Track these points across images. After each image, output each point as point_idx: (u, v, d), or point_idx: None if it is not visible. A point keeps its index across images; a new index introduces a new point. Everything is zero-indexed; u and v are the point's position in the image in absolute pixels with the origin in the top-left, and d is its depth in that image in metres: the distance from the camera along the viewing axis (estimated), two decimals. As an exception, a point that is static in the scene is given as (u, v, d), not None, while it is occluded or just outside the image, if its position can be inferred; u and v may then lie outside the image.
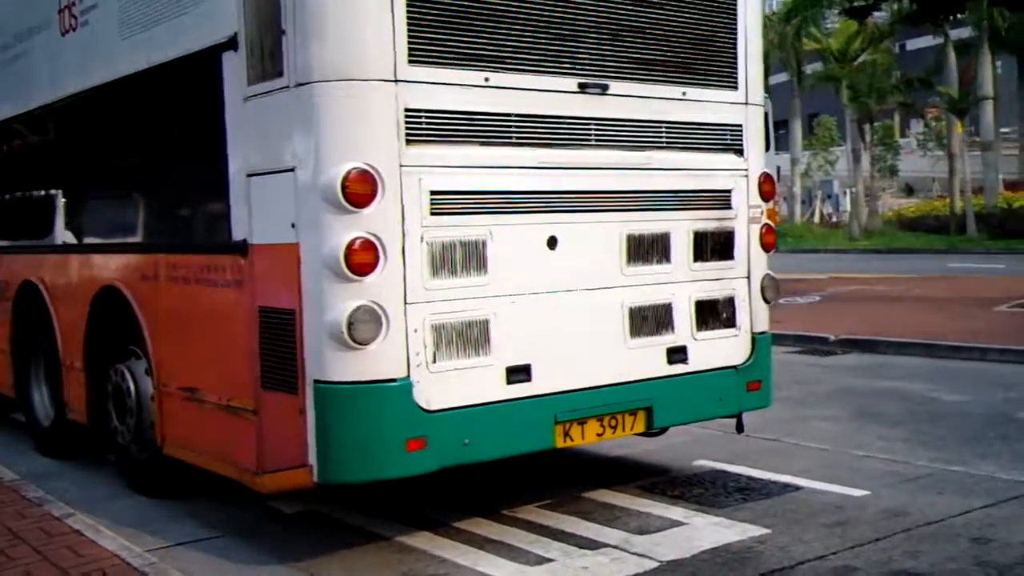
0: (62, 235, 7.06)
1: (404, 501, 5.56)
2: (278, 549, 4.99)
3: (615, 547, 4.86)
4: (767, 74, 39.82)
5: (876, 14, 29.56)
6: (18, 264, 7.63)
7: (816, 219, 43.66)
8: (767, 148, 24.30)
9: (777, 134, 39.85)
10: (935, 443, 6.84)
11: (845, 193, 43.28)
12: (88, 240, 6.77)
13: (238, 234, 4.90)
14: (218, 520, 5.48)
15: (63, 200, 7.09)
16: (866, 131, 37.60)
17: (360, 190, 4.35)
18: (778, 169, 26.19)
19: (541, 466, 6.20)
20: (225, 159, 4.96)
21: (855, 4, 22.68)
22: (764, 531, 5.03)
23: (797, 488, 5.81)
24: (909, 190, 47.89)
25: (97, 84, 6.19)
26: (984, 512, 5.28)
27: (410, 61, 4.49)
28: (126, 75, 5.82)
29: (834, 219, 43.86)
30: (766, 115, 23.15)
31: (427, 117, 4.56)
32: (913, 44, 44.55)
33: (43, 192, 7.52)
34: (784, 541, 4.89)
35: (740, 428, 6.02)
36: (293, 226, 4.51)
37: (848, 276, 19.30)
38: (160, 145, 5.85)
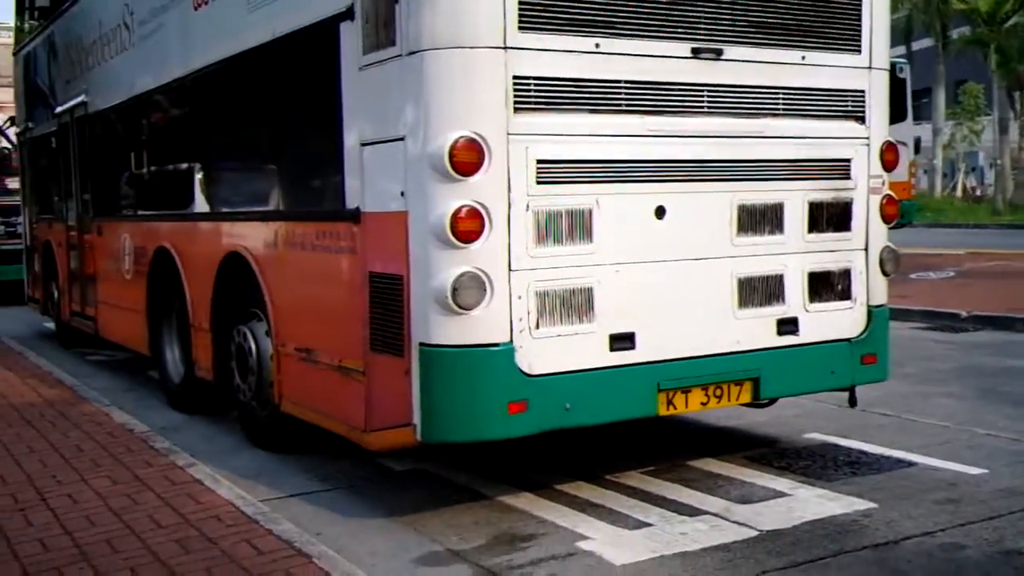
0: (192, 204, 7.44)
1: (510, 463, 5.69)
2: (385, 503, 5.19)
3: (715, 515, 4.87)
4: (909, 38, 38.35)
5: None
6: (153, 232, 8.07)
7: (959, 192, 41.82)
8: (904, 117, 23.37)
9: (919, 103, 38.23)
10: (1065, 424, 6.56)
11: (991, 165, 41.29)
12: (215, 208, 7.12)
13: (351, 202, 5.08)
14: (330, 474, 5.74)
15: (193, 171, 7.48)
16: (1016, 99, 35.71)
17: (467, 159, 4.44)
18: (918, 140, 25.20)
19: (647, 433, 6.24)
20: (341, 128, 5.13)
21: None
22: (871, 505, 4.95)
23: (910, 464, 5.67)
24: (1064, 162, 45.31)
25: (226, 57, 6.47)
26: (1109, 495, 5.06)
27: (520, 28, 4.52)
28: (253, 47, 6.06)
29: (978, 192, 41.94)
30: (904, 81, 22.22)
31: (536, 85, 4.59)
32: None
33: (175, 163, 7.94)
34: (891, 516, 4.80)
35: (853, 402, 5.89)
36: (402, 194, 4.64)
37: (987, 252, 18.49)
38: (282, 116, 6.10)
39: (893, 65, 20.71)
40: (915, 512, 4.85)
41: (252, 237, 6.31)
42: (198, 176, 7.40)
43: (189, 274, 7.27)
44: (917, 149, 25.98)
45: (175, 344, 7.81)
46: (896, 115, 22.16)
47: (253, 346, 6.30)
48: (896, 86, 19.84)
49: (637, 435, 6.15)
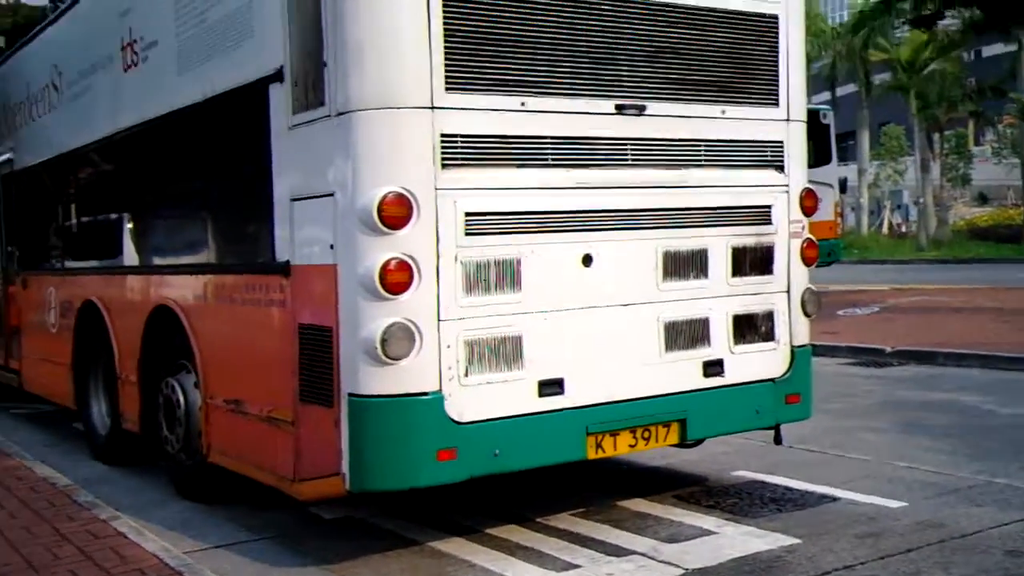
0: (120, 257, 7.42)
1: (441, 507, 5.73)
2: (313, 552, 5.19)
3: (643, 554, 4.95)
4: (833, 84, 39.57)
5: (947, 22, 29.09)
6: (80, 285, 8.02)
7: (885, 229, 42.95)
8: (829, 160, 23.94)
9: (845, 144, 39.39)
10: (982, 455, 6.79)
11: (915, 203, 42.54)
12: (144, 262, 7.11)
13: (281, 255, 5.12)
14: (258, 524, 5.72)
15: (122, 224, 7.46)
16: (935, 140, 36.96)
17: (396, 213, 4.52)
18: (844, 180, 25.85)
19: (579, 474, 6.32)
20: (271, 184, 5.19)
21: (922, 13, 22.36)
22: (794, 541, 5.08)
23: (834, 499, 5.83)
24: (983, 199, 46.83)
25: (156, 116, 6.50)
26: (1022, 525, 5.25)
27: (447, 88, 4.64)
28: (183, 107, 6.11)
29: (903, 229, 43.11)
30: (828, 127, 22.79)
31: (463, 141, 4.71)
32: (990, 50, 43.61)
33: (104, 217, 7.90)
34: (813, 551, 4.93)
35: (778, 440, 6.06)
36: (332, 247, 4.71)
37: (910, 287, 19.03)
38: (211, 173, 6.15)
39: (816, 111, 21.40)
40: (836, 546, 4.99)
41: (181, 290, 6.30)
42: (127, 229, 7.38)
43: (117, 327, 7.22)
44: (844, 189, 26.74)
45: (101, 396, 7.72)
46: (821, 158, 22.86)
47: (181, 398, 6.26)
48: (820, 131, 20.53)
49: (568, 477, 6.23)
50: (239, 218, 5.88)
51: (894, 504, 5.68)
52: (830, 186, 19.03)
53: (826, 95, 38.96)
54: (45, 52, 8.73)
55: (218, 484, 6.09)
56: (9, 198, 9.84)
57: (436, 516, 5.64)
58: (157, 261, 6.96)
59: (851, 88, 40.42)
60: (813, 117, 20.48)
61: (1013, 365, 10.43)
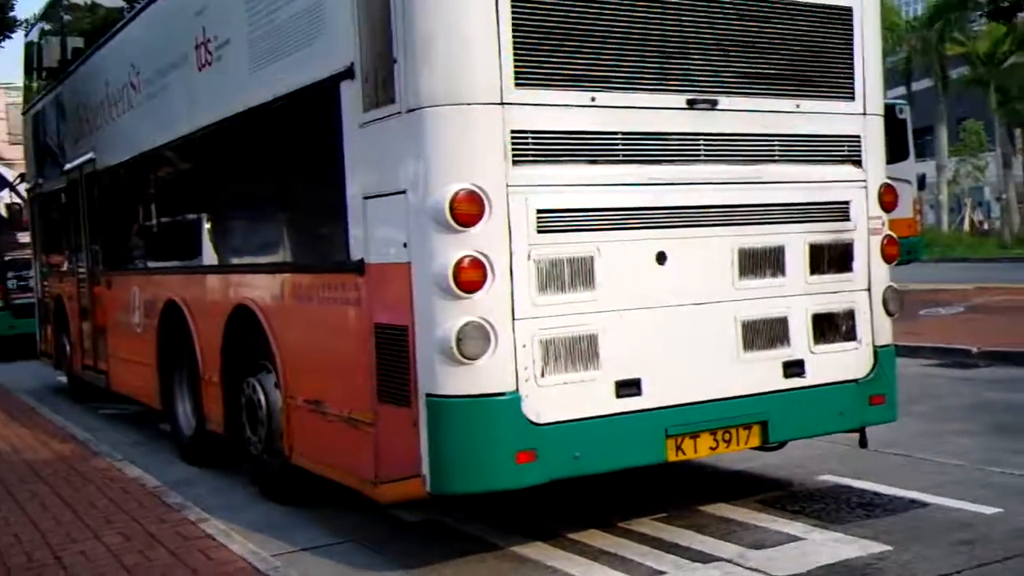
0: (200, 257, 7.51)
1: (524, 511, 5.66)
2: (397, 556, 5.17)
3: (728, 560, 4.83)
4: (909, 79, 38.66)
5: (1027, 14, 28.22)
6: (162, 285, 8.13)
7: (966, 227, 41.81)
8: (906, 156, 23.32)
9: (922, 140, 38.40)
10: (1079, 460, 6.50)
11: (997, 199, 41.35)
12: (223, 261, 7.18)
13: (356, 254, 5.12)
14: (343, 527, 5.71)
15: (200, 224, 7.55)
16: (1016, 136, 35.84)
17: (468, 210, 4.49)
18: (922, 177, 25.21)
19: (659, 479, 6.21)
20: (343, 182, 5.19)
21: (1000, 4, 21.70)
22: (885, 548, 4.91)
23: (924, 505, 5.63)
24: (1068, 195, 45.31)
25: (230, 115, 6.56)
26: (1125, 532, 5.01)
27: (516, 84, 4.60)
28: (255, 106, 6.16)
29: (985, 226, 41.92)
30: (904, 122, 22.18)
31: (533, 138, 4.65)
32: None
33: (182, 217, 8.01)
34: (906, 558, 4.75)
35: (864, 443, 5.87)
36: (405, 246, 4.69)
37: (996, 286, 18.43)
38: (285, 171, 6.17)
39: (892, 107, 20.88)
40: (930, 553, 4.81)
41: (259, 289, 6.35)
42: (205, 229, 7.47)
43: (199, 327, 7.31)
44: (922, 185, 26.03)
45: (186, 397, 7.82)
46: (898, 154, 22.34)
47: (263, 398, 6.31)
48: (896, 127, 20.00)
49: (650, 480, 6.12)
50: (314, 216, 5.90)
51: (988, 510, 5.46)
52: (908, 182, 18.54)
53: (901, 90, 38.04)
54: (123, 51, 8.86)
55: (301, 486, 6.11)
56: (92, 198, 10.03)
57: (519, 520, 5.58)
58: (235, 260, 7.02)
59: (927, 83, 39.40)
60: (889, 112, 20.00)
61: (1108, 366, 10.00)
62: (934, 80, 37.71)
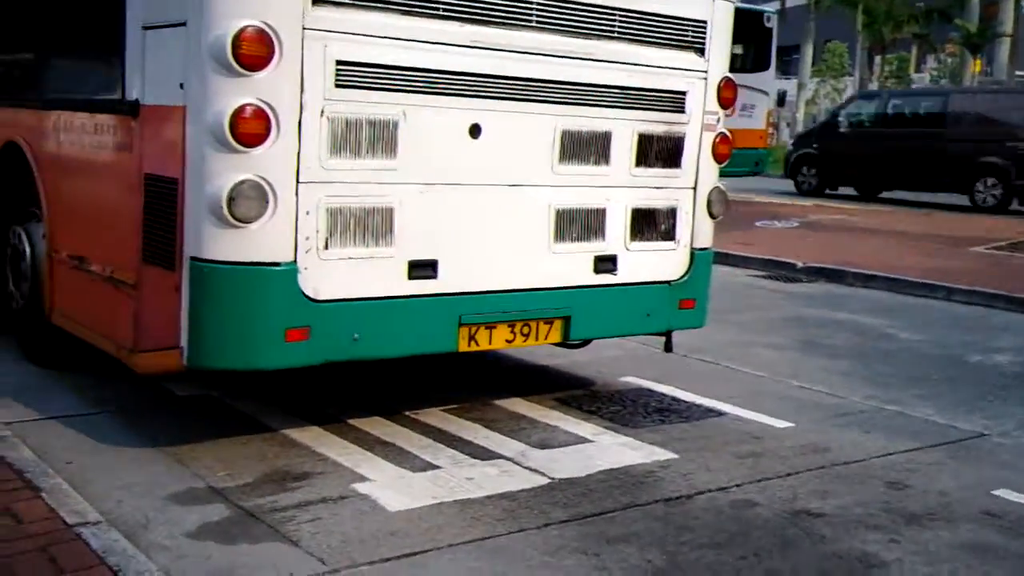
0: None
1: (310, 396, 5.27)
2: (155, 432, 4.70)
3: (509, 459, 4.59)
4: (782, -6, 38.90)
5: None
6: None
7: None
8: (768, 66, 23.26)
9: (789, 58, 38.77)
10: (877, 380, 6.56)
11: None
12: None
13: (131, 93, 4.50)
14: (104, 397, 5.19)
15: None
16: (876, 63, 36.66)
17: (254, 51, 3.93)
18: (783, 93, 25.40)
19: (458, 369, 5.92)
20: (123, 7, 4.52)
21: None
22: (671, 456, 4.77)
23: (720, 414, 5.54)
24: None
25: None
26: (907, 456, 5.02)
27: None
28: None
29: (835, 149, 43.12)
30: (770, 31, 22.00)
31: None
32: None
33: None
34: (689, 468, 4.62)
35: (669, 347, 5.72)
36: (182, 87, 4.11)
37: (834, 206, 18.87)
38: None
39: (761, 13, 20.61)
40: (714, 464, 4.69)
41: (30, 126, 5.61)
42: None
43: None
44: (782, 102, 26.24)
45: None
46: (759, 63, 22.23)
47: (28, 249, 5.65)
48: (762, 35, 19.82)
49: (448, 369, 5.82)
50: (91, 46, 5.14)
51: (780, 424, 5.40)
52: (766, 94, 18.52)
53: (777, 5, 38.25)
54: None
55: (64, 349, 5.50)
56: None
57: (301, 404, 5.18)
58: (6, 92, 6.18)
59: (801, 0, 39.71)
60: (757, 19, 19.93)
61: (919, 290, 10.27)
62: (807, -4, 37.98)
